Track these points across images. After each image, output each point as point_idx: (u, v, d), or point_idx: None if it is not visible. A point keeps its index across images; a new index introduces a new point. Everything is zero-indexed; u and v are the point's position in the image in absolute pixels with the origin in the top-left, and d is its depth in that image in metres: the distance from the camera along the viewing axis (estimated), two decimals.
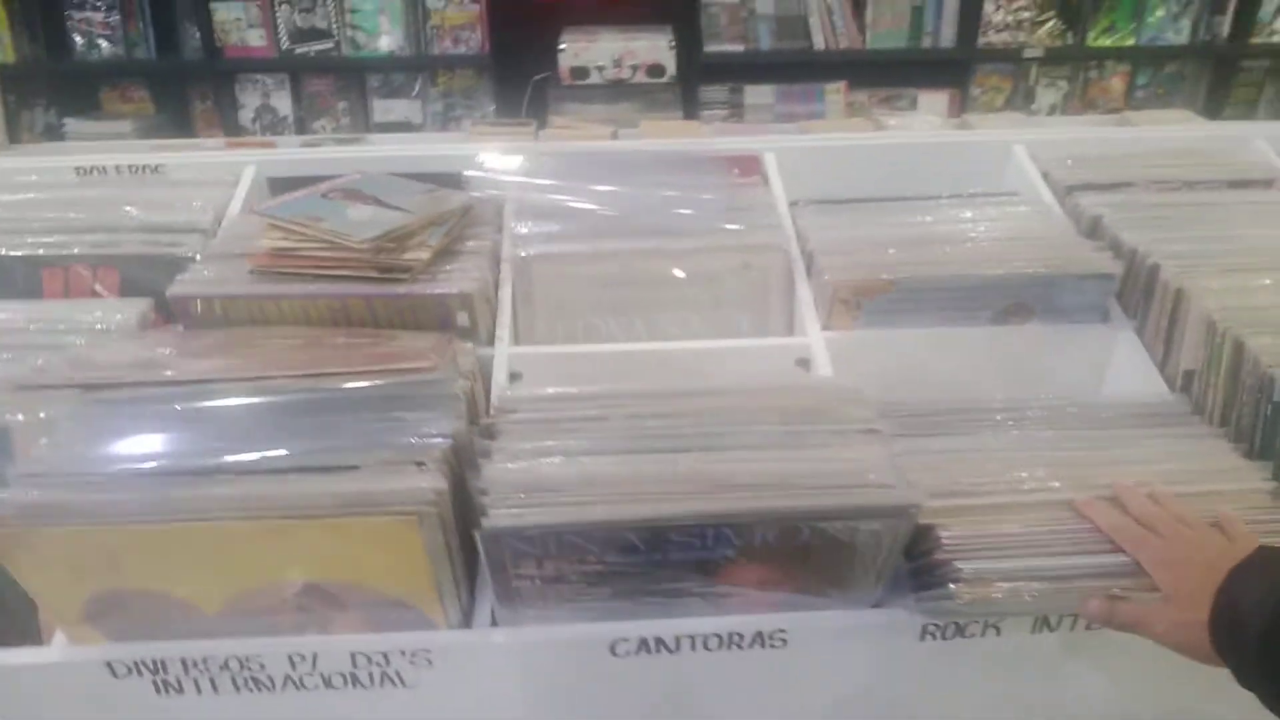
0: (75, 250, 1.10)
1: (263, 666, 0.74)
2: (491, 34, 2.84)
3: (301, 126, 2.94)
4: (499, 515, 0.65)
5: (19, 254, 1.10)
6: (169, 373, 0.75)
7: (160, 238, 1.10)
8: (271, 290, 0.94)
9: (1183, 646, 0.69)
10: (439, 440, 0.71)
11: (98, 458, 0.68)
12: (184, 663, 0.74)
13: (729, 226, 1.08)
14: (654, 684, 0.77)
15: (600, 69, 2.75)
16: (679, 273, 1.05)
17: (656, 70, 2.76)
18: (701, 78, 2.87)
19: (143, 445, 0.69)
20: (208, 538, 0.67)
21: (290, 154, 1.28)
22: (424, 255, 0.95)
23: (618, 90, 2.79)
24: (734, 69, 2.90)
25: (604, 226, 1.08)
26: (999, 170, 1.29)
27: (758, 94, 2.91)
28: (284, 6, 2.74)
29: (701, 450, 0.72)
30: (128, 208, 1.15)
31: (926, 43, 2.88)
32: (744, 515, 0.67)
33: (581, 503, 0.66)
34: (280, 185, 1.21)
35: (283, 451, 0.68)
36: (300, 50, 2.79)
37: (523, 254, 1.05)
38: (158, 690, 0.75)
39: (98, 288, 1.08)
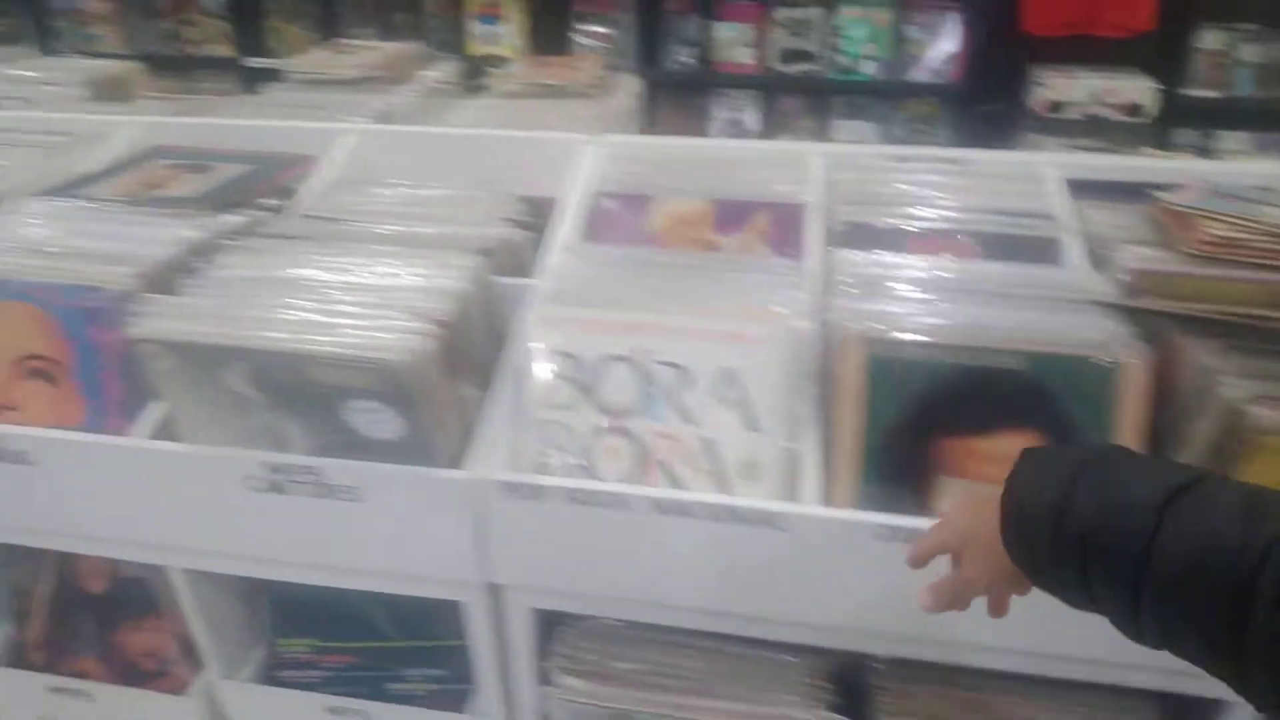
0: (941, 224, 1.29)
1: None
2: (962, 67, 2.99)
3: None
4: None
5: (890, 223, 1.30)
6: None
7: (1019, 220, 1.28)
8: (1219, 273, 1.08)
9: (1002, 583, 0.69)
10: None
11: None
12: None
13: None
14: None
15: (1079, 105, 2.84)
16: None
17: (1134, 109, 2.81)
18: (1176, 120, 2.89)
19: None
20: None
21: (1092, 160, 1.44)
22: None
23: (1089, 126, 2.86)
24: (1207, 114, 2.91)
25: None
26: None
27: (1234, 140, 2.90)
28: (778, 29, 3.00)
29: None
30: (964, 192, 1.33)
31: None
32: None
33: None
34: (1076, 186, 1.37)
35: None
36: (785, 70, 3.04)
37: None
38: None
39: None
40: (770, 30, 3.02)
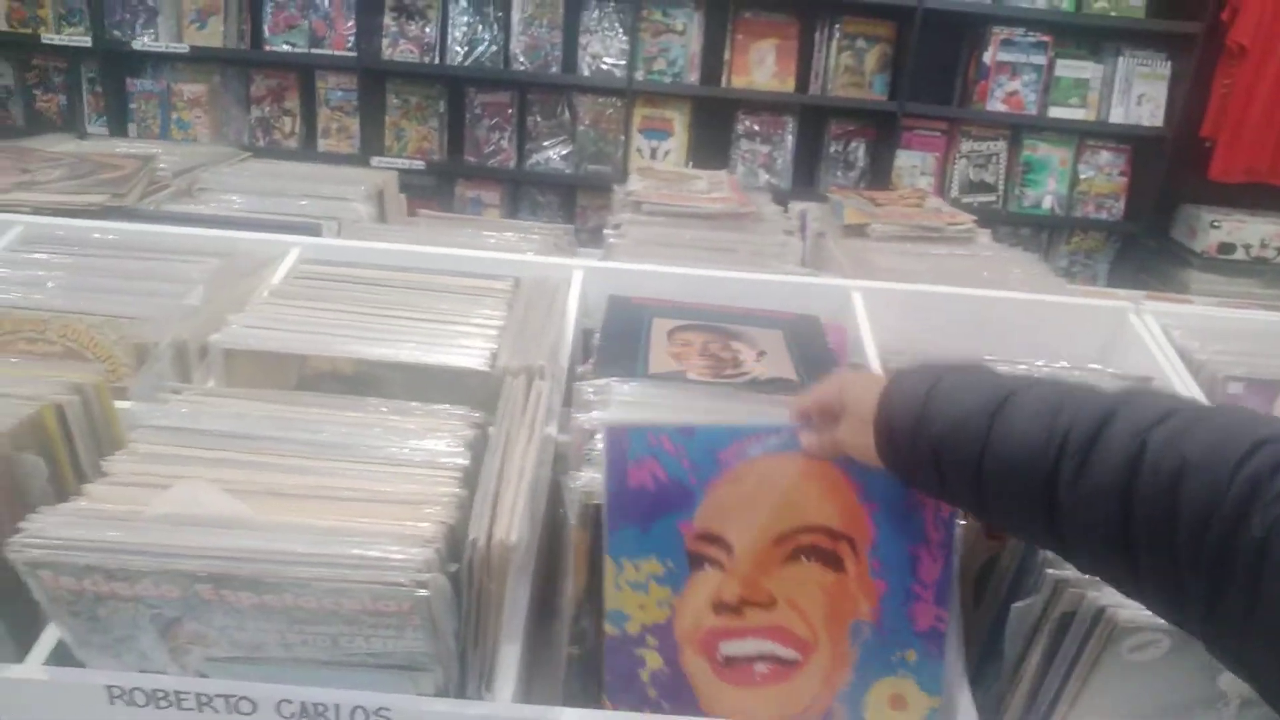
0: None
1: None
2: (1129, 206, 3.09)
3: None
4: None
5: None
6: None
7: None
8: None
9: (859, 452, 0.77)
10: None
11: None
12: None
13: None
14: None
15: (1248, 247, 2.97)
16: None
17: None
18: None
19: None
20: None
21: None
22: None
23: (1250, 266, 3.00)
24: None
25: None
26: None
27: None
28: (961, 160, 3.02)
29: None
30: None
31: None
32: None
33: None
34: None
35: None
36: (967, 200, 3.05)
37: None
38: None
39: None
40: (955, 162, 3.03)
